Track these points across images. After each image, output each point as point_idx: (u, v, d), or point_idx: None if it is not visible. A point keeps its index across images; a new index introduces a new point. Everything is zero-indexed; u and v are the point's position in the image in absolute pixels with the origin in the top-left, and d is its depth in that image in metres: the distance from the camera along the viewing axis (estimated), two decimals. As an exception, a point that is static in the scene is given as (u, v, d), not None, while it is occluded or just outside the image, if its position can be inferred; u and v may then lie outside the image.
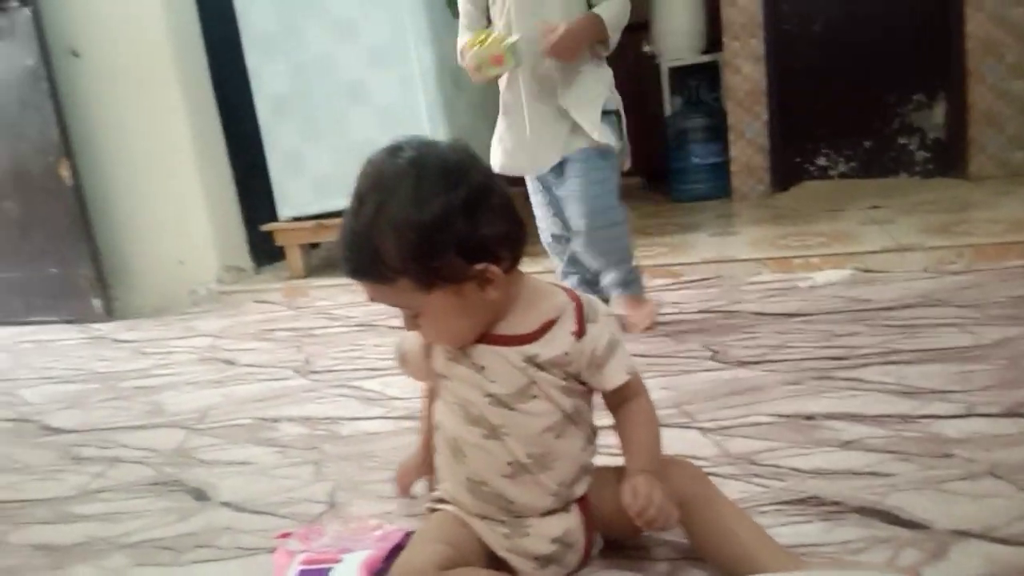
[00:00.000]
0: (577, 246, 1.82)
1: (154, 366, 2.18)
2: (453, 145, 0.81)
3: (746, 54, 3.57)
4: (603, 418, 0.91)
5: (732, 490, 1.00)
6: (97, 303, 2.96)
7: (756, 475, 1.07)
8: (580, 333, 0.83)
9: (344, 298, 2.68)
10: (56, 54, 2.87)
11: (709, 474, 0.94)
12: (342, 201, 0.81)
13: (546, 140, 1.75)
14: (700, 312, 1.97)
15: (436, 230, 0.75)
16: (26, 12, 2.73)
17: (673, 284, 2.33)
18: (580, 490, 0.88)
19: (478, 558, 0.85)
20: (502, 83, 1.79)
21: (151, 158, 3.02)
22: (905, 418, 1.18)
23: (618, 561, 0.90)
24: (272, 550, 1.00)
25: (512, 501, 0.85)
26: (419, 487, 1.10)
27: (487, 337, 0.83)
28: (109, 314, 2.96)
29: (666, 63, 4.02)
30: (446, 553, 0.81)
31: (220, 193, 3.14)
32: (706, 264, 2.40)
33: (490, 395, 0.83)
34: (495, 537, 0.86)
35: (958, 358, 1.41)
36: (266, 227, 3.05)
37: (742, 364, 1.53)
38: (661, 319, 1.90)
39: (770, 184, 3.65)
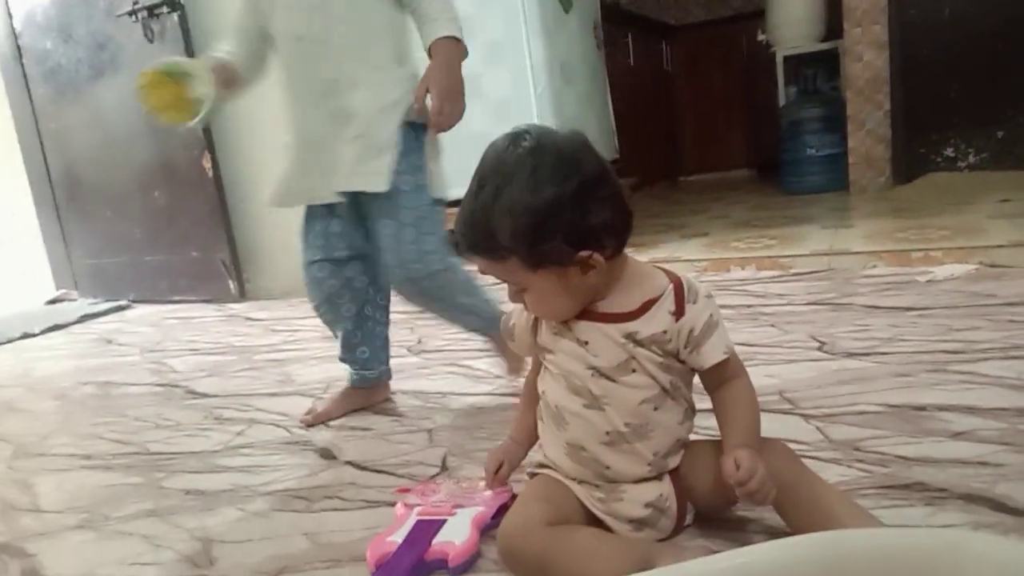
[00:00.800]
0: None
1: (283, 342, 2.36)
2: (570, 136, 0.86)
3: (868, 41, 3.42)
4: (701, 402, 0.93)
5: (832, 474, 1.00)
6: (232, 285, 3.22)
7: (859, 460, 1.06)
8: (679, 314, 0.87)
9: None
10: (199, 55, 3.12)
11: (809, 458, 0.95)
12: (461, 190, 0.88)
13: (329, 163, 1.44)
14: (808, 304, 1.94)
15: (546, 217, 0.81)
16: (174, 17, 3.00)
17: (781, 276, 2.29)
18: (674, 462, 0.92)
19: (580, 517, 0.91)
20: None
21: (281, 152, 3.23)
22: (1022, 412, 1.15)
23: (713, 532, 0.93)
24: (392, 504, 1.10)
25: (608, 467, 0.90)
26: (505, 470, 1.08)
27: (591, 314, 0.89)
28: (242, 295, 3.22)
29: (781, 52, 3.92)
30: (549, 511, 0.88)
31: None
32: (817, 257, 2.34)
33: (592, 368, 0.88)
34: (592, 500, 0.92)
35: (1088, 355, 1.34)
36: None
37: (851, 355, 1.50)
38: (766, 309, 1.88)
39: (891, 176, 3.49)
